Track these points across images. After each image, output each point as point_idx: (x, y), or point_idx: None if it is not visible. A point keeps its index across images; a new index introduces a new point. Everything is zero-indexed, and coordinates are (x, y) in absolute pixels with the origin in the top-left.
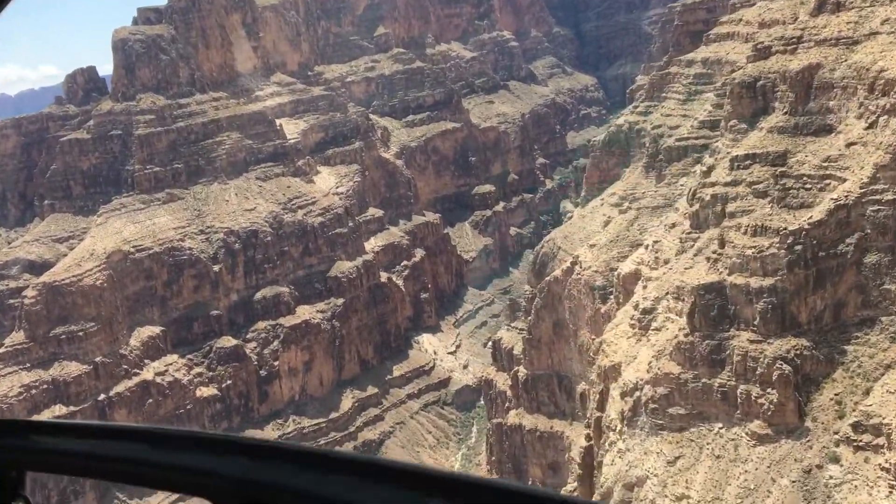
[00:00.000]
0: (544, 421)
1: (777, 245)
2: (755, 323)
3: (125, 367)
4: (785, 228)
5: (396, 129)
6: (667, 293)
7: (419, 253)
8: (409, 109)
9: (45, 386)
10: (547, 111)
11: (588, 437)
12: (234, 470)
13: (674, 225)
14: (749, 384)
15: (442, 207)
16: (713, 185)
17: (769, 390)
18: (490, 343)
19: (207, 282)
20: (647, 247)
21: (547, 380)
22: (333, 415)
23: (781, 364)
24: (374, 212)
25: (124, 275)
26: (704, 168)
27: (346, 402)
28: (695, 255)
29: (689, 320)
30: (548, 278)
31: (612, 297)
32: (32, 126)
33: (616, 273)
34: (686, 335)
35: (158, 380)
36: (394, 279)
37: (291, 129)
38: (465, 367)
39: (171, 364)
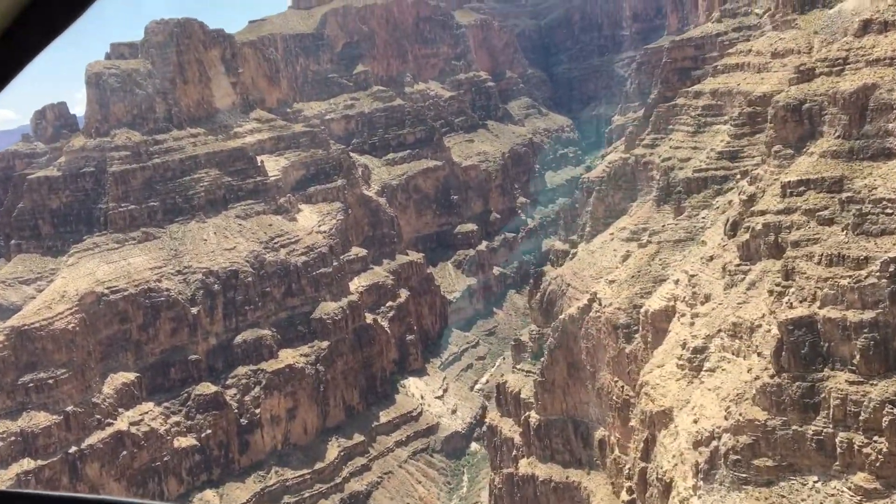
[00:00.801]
0: (559, 470)
1: (877, 274)
2: (854, 362)
3: (98, 416)
4: (865, 257)
5: (377, 168)
6: (719, 331)
7: (404, 293)
8: (390, 147)
9: (12, 438)
10: (526, 150)
11: (630, 491)
12: None
13: (711, 258)
14: (850, 431)
15: (424, 247)
16: (763, 213)
17: (876, 438)
18: (478, 387)
19: (185, 325)
20: (677, 282)
21: (561, 426)
22: (318, 465)
23: (892, 408)
24: (357, 251)
25: (97, 318)
26: (745, 196)
27: (332, 452)
28: (748, 288)
29: (775, 360)
30: (562, 317)
31: (637, 335)
32: None
33: (644, 311)
34: (771, 376)
35: (133, 430)
36: (379, 321)
37: (272, 166)
38: (454, 412)
39: (146, 413)
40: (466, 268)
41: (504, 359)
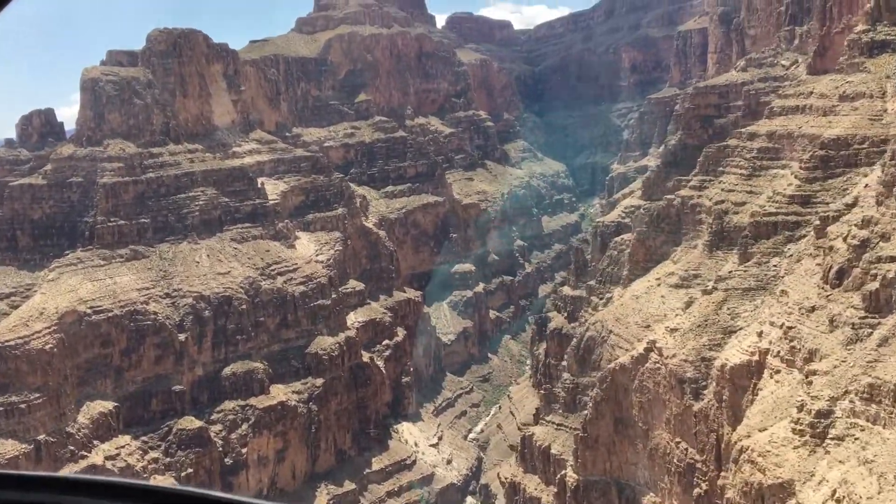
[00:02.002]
0: None
1: None
2: None
3: (71, 447)
4: None
5: (374, 199)
6: (846, 392)
7: (401, 332)
8: (389, 179)
9: None
10: (524, 193)
11: None
12: None
13: (812, 308)
14: None
15: (419, 284)
16: (891, 259)
17: None
18: (472, 436)
19: (171, 352)
20: (760, 334)
21: (603, 488)
22: None
23: None
24: (354, 284)
25: (77, 339)
26: (855, 241)
27: (321, 499)
28: (879, 345)
29: None
30: (611, 366)
31: (708, 392)
32: None
33: (719, 365)
34: None
35: (108, 465)
36: (375, 360)
37: (270, 189)
38: (449, 462)
39: (123, 447)
40: (462, 309)
41: (500, 408)
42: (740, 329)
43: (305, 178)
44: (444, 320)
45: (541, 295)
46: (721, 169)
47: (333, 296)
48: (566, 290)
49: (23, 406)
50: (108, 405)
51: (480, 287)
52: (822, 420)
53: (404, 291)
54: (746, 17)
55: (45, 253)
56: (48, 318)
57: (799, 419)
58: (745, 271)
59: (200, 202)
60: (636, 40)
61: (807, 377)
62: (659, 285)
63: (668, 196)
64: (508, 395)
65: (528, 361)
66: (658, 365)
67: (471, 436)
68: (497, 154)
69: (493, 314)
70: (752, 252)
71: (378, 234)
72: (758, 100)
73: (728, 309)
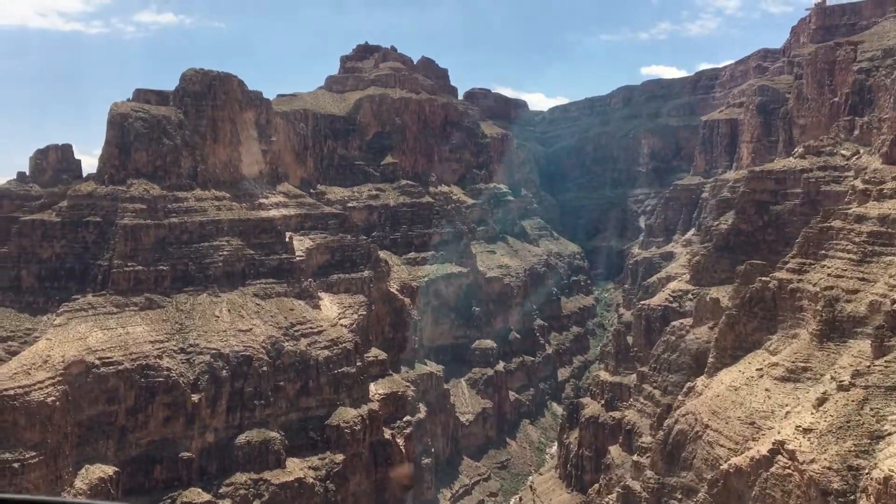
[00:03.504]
0: None
1: None
2: None
3: None
4: None
5: (396, 265)
6: None
7: (423, 409)
8: (412, 246)
9: None
10: (545, 271)
11: None
12: None
13: None
14: None
15: (437, 358)
16: None
17: None
18: None
19: (182, 413)
20: None
21: None
22: None
23: None
24: (376, 352)
25: (82, 393)
26: None
27: None
28: None
29: None
30: (724, 468)
31: None
32: None
33: (880, 477)
34: None
35: None
36: (396, 437)
37: (296, 245)
38: None
39: None
40: (482, 388)
41: (520, 499)
42: (889, 434)
43: (332, 236)
44: (463, 399)
45: (560, 378)
46: (823, 252)
47: (358, 363)
48: (604, 375)
49: (16, 465)
50: (108, 470)
51: (501, 366)
52: None
53: (425, 364)
54: (796, 106)
55: (50, 296)
56: (52, 368)
57: None
58: (885, 366)
59: (224, 252)
60: (656, 128)
61: None
62: (761, 377)
63: (763, 278)
64: (531, 487)
65: (549, 450)
66: (789, 471)
67: None
68: (516, 229)
69: (512, 395)
70: (891, 345)
71: (403, 300)
72: (818, 188)
73: (871, 409)
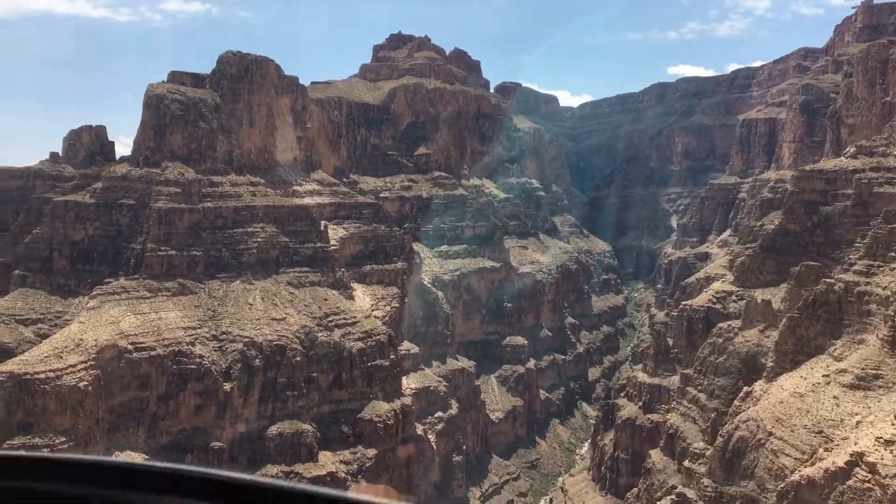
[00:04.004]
0: None
1: None
2: None
3: None
4: None
5: (427, 258)
6: None
7: (454, 405)
8: (445, 238)
9: None
10: (577, 268)
11: None
12: None
13: None
14: None
15: (467, 354)
16: None
17: None
18: None
19: (213, 402)
20: None
21: None
22: None
23: None
24: (409, 346)
25: (114, 379)
26: None
27: None
28: None
29: None
30: (794, 479)
31: None
32: (13, 181)
33: None
34: None
35: None
36: (427, 433)
37: (329, 234)
38: None
39: None
40: (512, 385)
41: (551, 501)
42: None
43: (366, 226)
44: (493, 396)
45: (590, 378)
46: (893, 254)
47: (392, 356)
48: (642, 376)
49: (46, 451)
50: (138, 458)
51: (532, 363)
52: None
53: (457, 359)
54: (845, 105)
55: (81, 278)
56: (85, 352)
57: None
58: None
59: (259, 239)
60: (689, 126)
61: None
62: (828, 384)
63: (828, 280)
64: (562, 488)
65: (579, 451)
66: (869, 485)
67: None
68: (547, 225)
69: (542, 394)
70: None
71: (436, 294)
72: (870, 189)
73: None
